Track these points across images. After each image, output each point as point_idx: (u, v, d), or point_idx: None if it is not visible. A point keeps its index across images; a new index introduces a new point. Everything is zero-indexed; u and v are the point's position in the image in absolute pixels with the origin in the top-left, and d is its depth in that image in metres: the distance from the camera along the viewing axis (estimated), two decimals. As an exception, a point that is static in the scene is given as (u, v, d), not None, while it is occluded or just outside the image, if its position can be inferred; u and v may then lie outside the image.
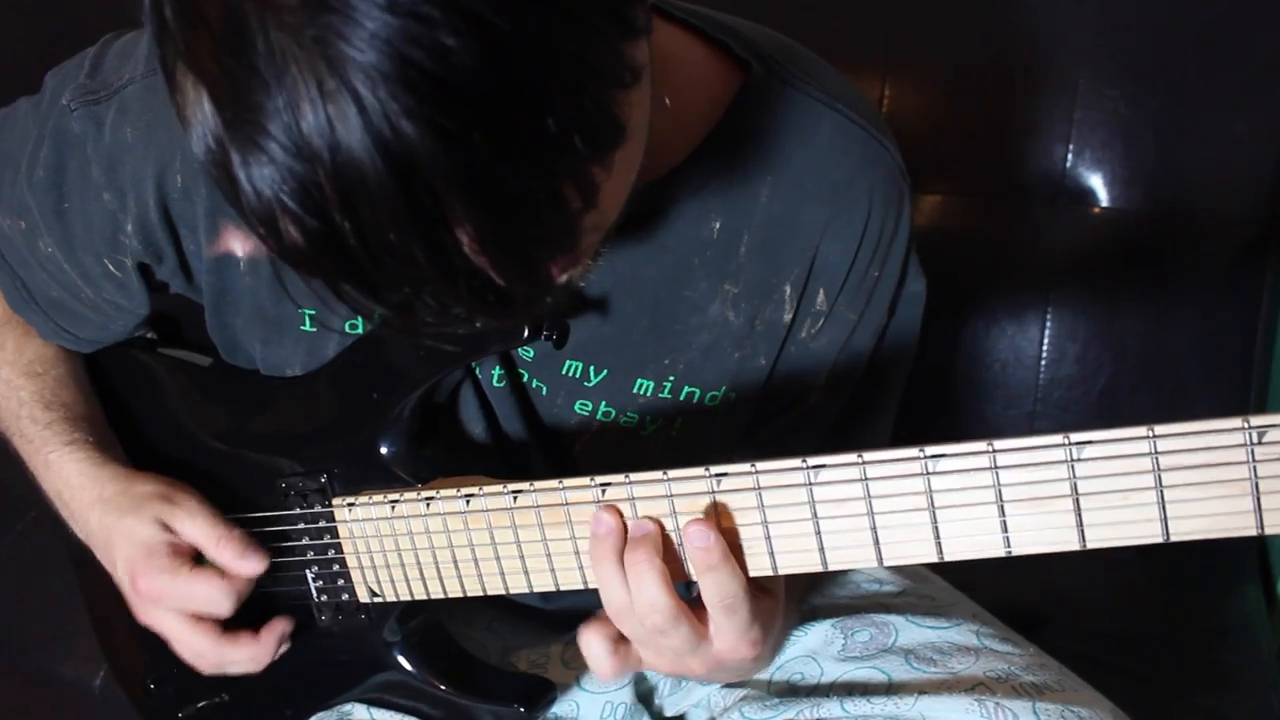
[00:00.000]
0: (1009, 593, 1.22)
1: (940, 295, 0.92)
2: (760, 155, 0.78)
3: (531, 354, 0.83)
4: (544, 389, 0.84)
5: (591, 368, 0.82)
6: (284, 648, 0.85)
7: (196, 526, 0.81)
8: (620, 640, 0.69)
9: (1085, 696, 0.77)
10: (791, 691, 0.84)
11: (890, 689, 0.79)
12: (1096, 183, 1.37)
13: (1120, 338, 1.35)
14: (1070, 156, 1.38)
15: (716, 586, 0.65)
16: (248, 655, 0.83)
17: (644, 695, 0.94)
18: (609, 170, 0.53)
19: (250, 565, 0.81)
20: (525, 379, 0.84)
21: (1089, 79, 1.36)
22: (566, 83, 0.49)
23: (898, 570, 0.96)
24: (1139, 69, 1.34)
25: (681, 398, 0.83)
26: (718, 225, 0.79)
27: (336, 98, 0.46)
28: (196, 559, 0.82)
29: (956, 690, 0.77)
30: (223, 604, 0.80)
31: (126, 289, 0.84)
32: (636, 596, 0.66)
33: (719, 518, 0.65)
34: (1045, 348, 1.39)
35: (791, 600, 0.87)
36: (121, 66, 0.78)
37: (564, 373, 0.83)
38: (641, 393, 0.83)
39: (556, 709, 0.92)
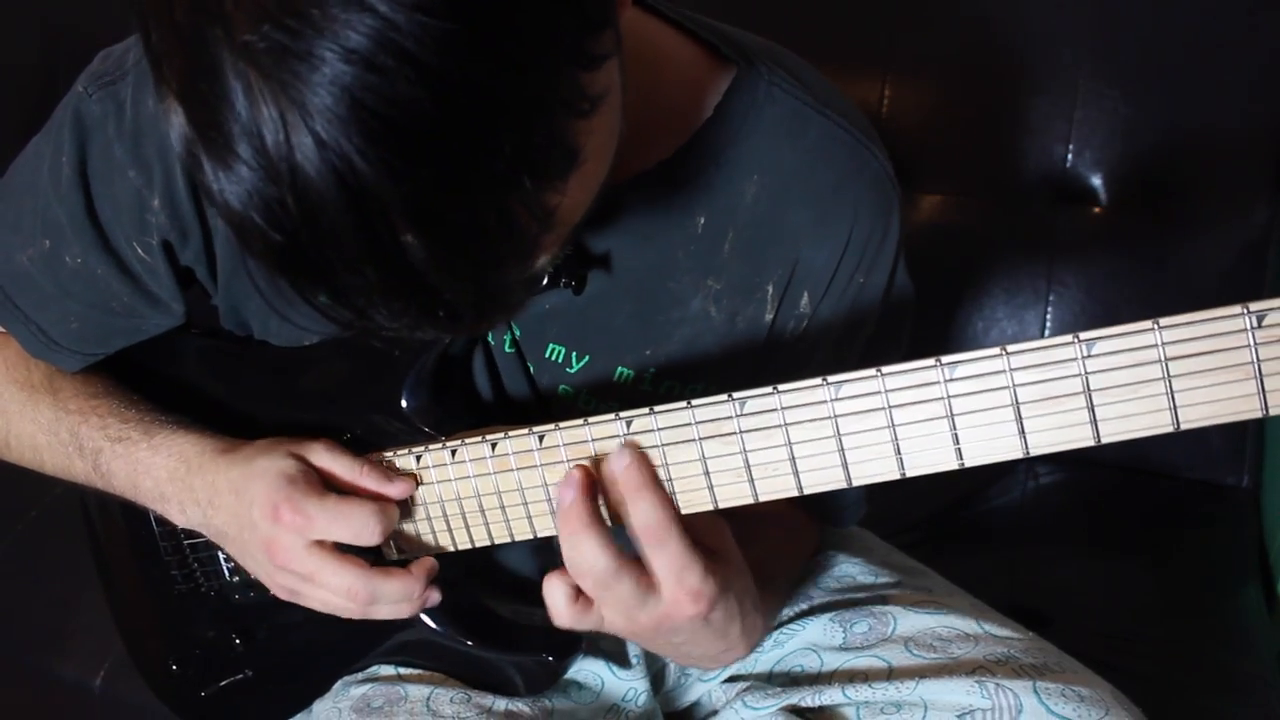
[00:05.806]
0: (1008, 593, 1.22)
1: (939, 295, 0.92)
2: (747, 155, 0.79)
3: (519, 332, 0.84)
4: (532, 368, 0.85)
5: (574, 354, 0.83)
6: (434, 597, 0.78)
7: (334, 459, 0.78)
8: (580, 592, 0.71)
9: (1085, 678, 0.78)
10: (793, 683, 0.85)
11: (891, 674, 0.80)
12: (1096, 183, 1.38)
13: (1120, 338, 1.35)
14: (1070, 156, 1.38)
15: (638, 516, 0.68)
16: (399, 589, 0.76)
17: (653, 682, 0.94)
18: (564, 193, 0.56)
19: (398, 487, 0.77)
20: None
21: (1089, 79, 1.36)
22: (516, 125, 0.52)
23: (895, 565, 0.96)
24: (1139, 69, 1.35)
25: (661, 390, 0.84)
26: (703, 221, 0.80)
27: (297, 130, 0.50)
28: None
29: (957, 674, 0.78)
30: (373, 528, 0.74)
31: (156, 274, 0.83)
32: (573, 557, 0.68)
33: (744, 443, 0.67)
34: (1045, 348, 1.39)
35: (776, 584, 0.88)
36: (133, 49, 0.78)
37: (548, 356, 0.84)
38: (622, 381, 0.84)
39: (581, 678, 0.93)
